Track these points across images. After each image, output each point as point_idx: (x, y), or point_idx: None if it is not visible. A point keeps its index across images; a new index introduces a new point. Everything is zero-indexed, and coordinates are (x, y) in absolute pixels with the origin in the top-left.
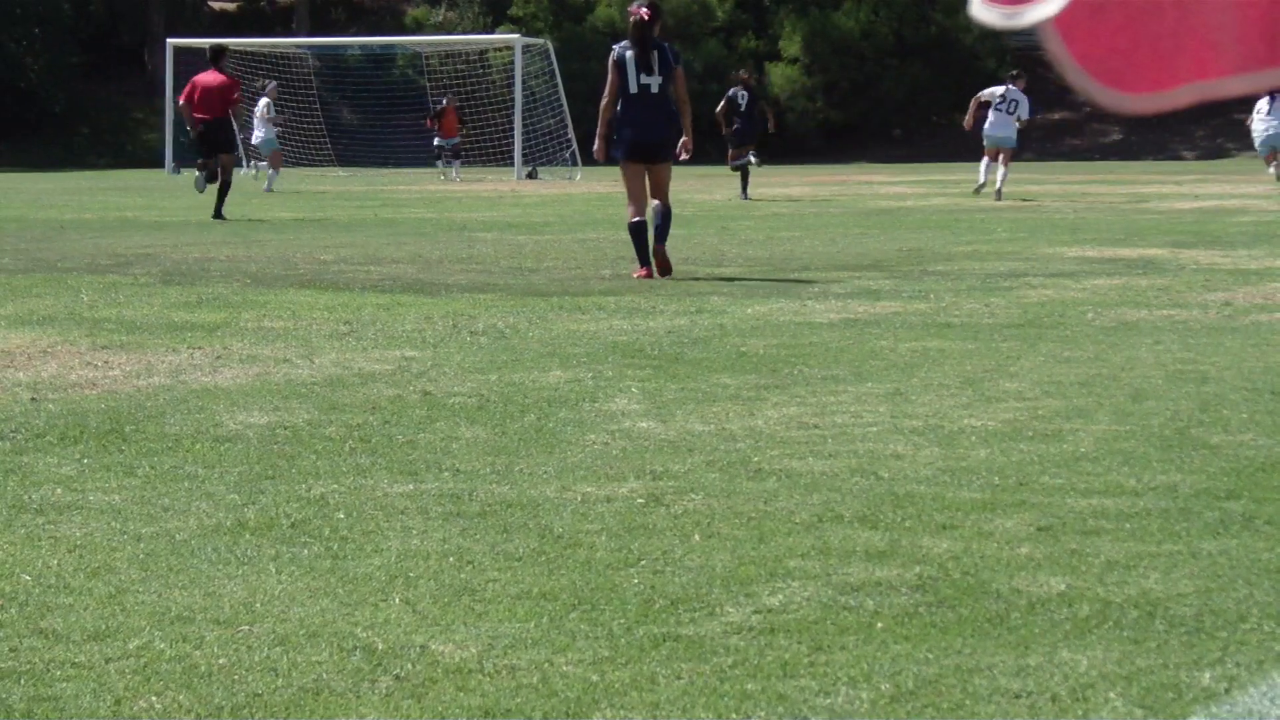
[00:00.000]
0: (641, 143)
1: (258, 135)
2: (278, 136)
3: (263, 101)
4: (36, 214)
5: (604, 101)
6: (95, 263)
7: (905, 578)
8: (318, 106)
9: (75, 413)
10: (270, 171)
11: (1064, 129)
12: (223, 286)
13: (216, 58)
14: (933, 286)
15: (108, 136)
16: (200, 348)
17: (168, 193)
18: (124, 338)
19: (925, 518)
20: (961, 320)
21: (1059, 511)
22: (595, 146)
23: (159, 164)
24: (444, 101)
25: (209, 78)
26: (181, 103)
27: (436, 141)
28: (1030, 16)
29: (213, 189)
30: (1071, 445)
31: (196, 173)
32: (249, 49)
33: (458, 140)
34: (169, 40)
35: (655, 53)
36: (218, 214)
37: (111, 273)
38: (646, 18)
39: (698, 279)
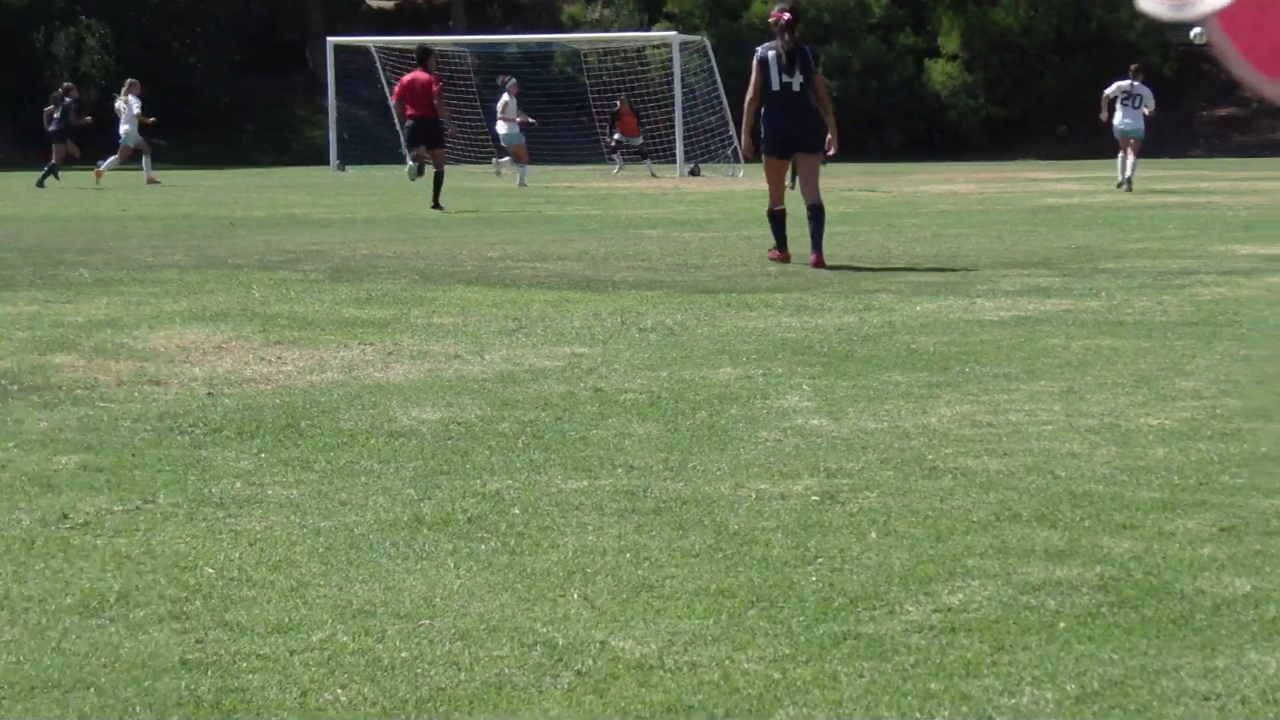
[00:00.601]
0: (784, 138)
1: (502, 129)
2: (521, 130)
3: (504, 98)
4: (206, 211)
5: (748, 98)
6: (265, 259)
7: (1086, 577)
8: (477, 103)
9: (251, 407)
10: (520, 167)
11: (1232, 125)
12: (391, 283)
13: (424, 58)
14: (1103, 284)
15: (271, 134)
16: (371, 343)
17: (333, 190)
18: (296, 333)
19: (1104, 517)
20: (1134, 318)
21: (1241, 512)
22: (743, 143)
23: (323, 161)
24: (617, 103)
25: (416, 76)
26: (394, 101)
27: (616, 138)
28: (1198, 9)
29: (427, 181)
30: (1251, 445)
31: (410, 163)
32: (407, 47)
33: (640, 140)
34: (329, 39)
35: (796, 54)
36: (435, 204)
37: (282, 269)
38: (787, 21)
39: (864, 276)
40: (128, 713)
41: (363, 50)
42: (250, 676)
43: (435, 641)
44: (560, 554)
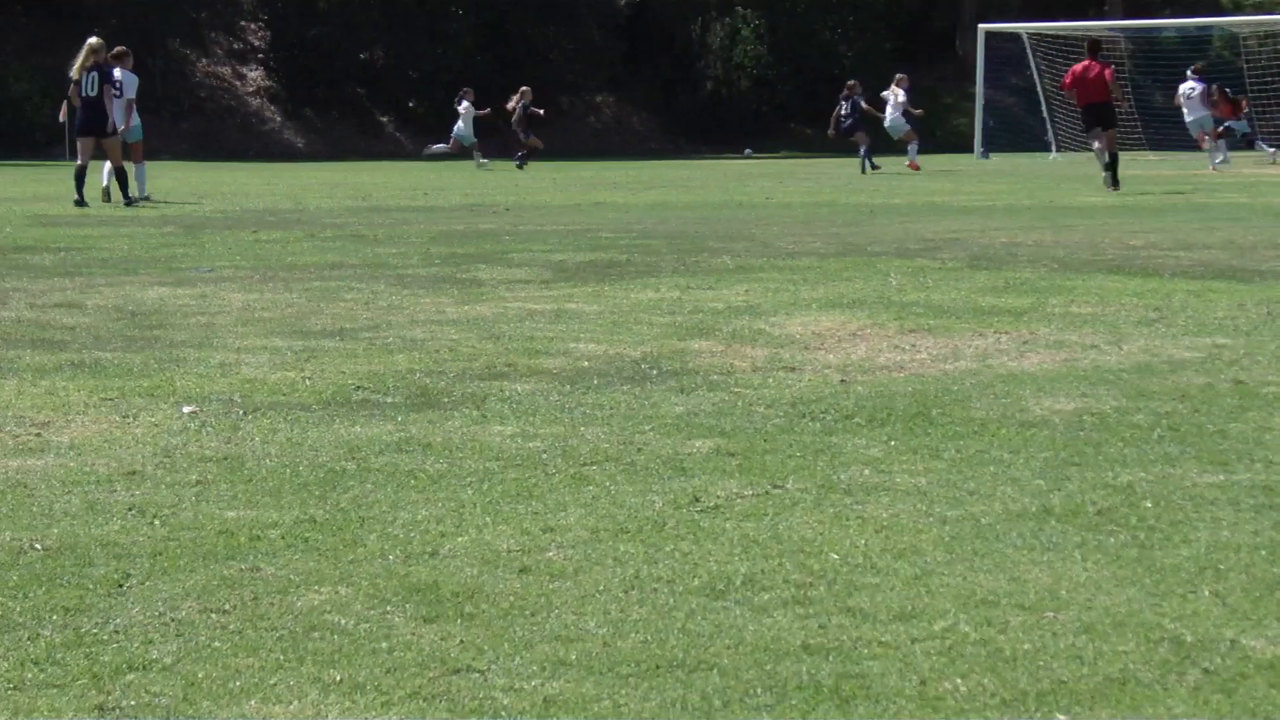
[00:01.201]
0: None
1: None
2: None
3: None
4: (847, 199)
5: None
6: (904, 247)
7: None
8: (1129, 90)
9: (883, 395)
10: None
11: None
12: (1029, 271)
13: (1094, 50)
14: None
15: (919, 123)
16: (1006, 332)
17: (975, 177)
18: (931, 321)
19: None
20: None
21: None
22: None
23: (967, 148)
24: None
25: (1083, 66)
26: (1064, 89)
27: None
28: None
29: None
30: None
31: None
32: (1059, 33)
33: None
34: (980, 26)
35: None
36: (1113, 183)
37: (920, 257)
38: None
39: None
40: (748, 694)
41: (1014, 37)
42: (870, 663)
43: (1059, 634)
44: (1192, 549)
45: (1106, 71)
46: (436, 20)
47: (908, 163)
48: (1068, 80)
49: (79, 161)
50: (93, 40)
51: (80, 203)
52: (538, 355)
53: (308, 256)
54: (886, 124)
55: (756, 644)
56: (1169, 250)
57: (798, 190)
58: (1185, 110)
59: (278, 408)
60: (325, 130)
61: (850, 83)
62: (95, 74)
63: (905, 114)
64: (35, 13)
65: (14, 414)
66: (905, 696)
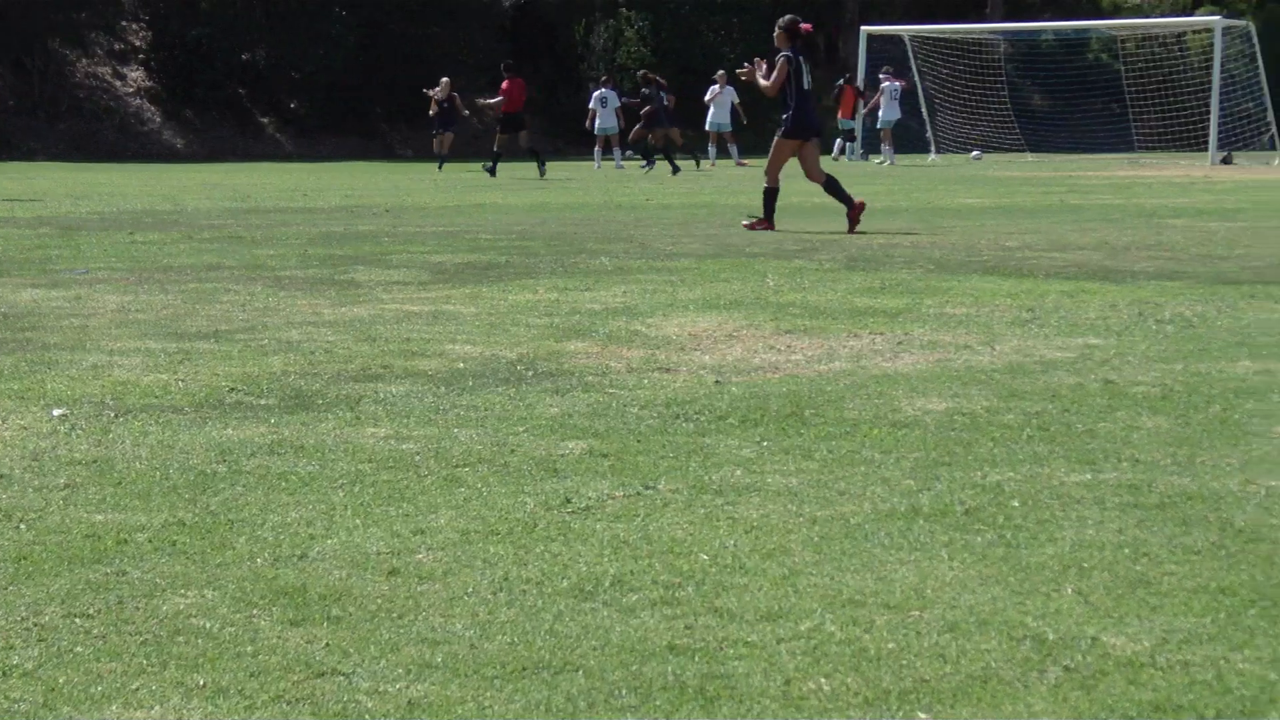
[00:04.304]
0: None
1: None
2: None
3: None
4: (726, 200)
5: None
6: (781, 248)
7: None
8: (1006, 92)
9: (757, 395)
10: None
11: None
12: (905, 272)
13: None
14: None
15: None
16: (881, 333)
17: (854, 178)
18: (807, 322)
19: None
20: None
21: None
22: None
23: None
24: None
25: None
26: None
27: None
28: None
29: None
30: None
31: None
32: (941, 35)
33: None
34: (863, 28)
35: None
36: None
37: (797, 258)
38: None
39: None
40: (614, 695)
41: (896, 39)
42: (736, 663)
43: (923, 633)
44: (1057, 548)
45: None
46: (318, 21)
47: (735, 161)
48: None
49: None
50: None
51: None
52: (413, 357)
53: (185, 258)
54: (709, 124)
55: (623, 645)
56: (1043, 251)
57: (677, 192)
58: None
59: (150, 410)
60: (205, 131)
61: (641, 72)
62: None
63: (733, 112)
64: None
65: None
66: (770, 696)
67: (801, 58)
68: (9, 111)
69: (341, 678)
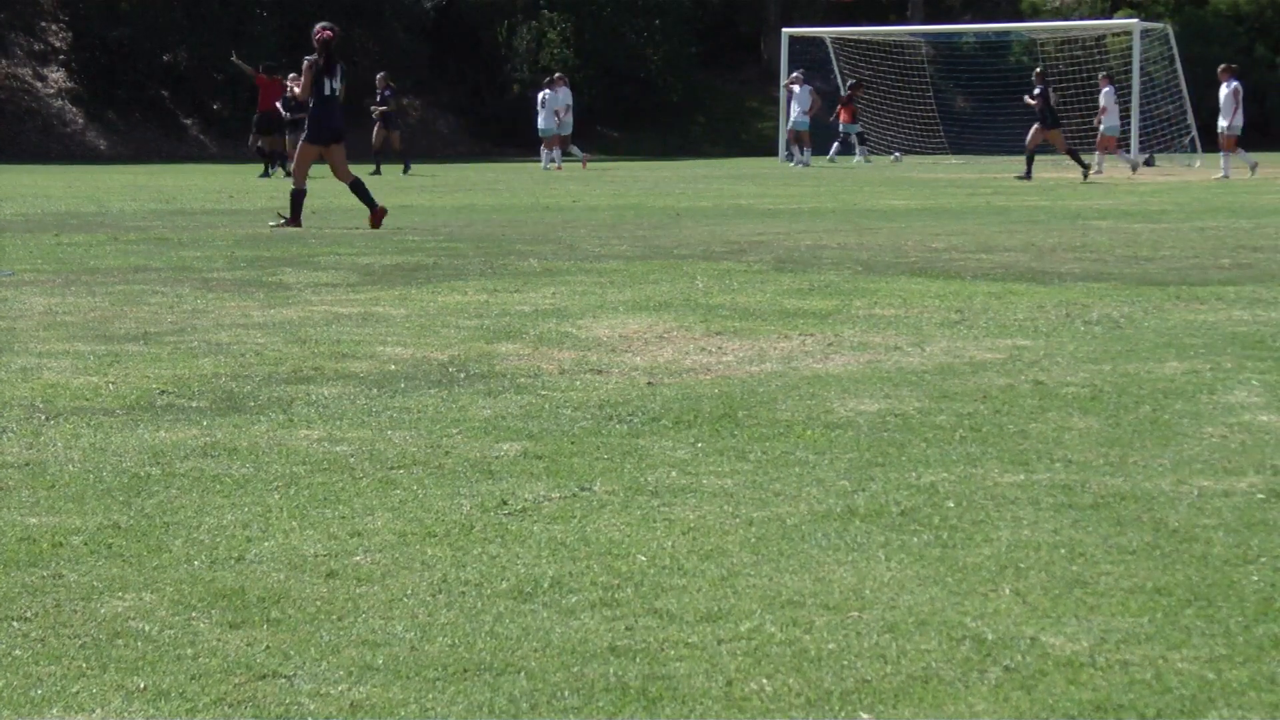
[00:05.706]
0: None
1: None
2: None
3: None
4: (654, 202)
5: None
6: (710, 250)
7: None
8: (930, 94)
9: (690, 397)
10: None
11: None
12: (834, 274)
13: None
14: None
15: (722, 125)
16: (811, 334)
17: (780, 181)
18: (737, 324)
19: None
20: None
21: None
22: None
23: (772, 152)
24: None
25: None
26: None
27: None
28: None
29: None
30: None
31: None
32: (862, 37)
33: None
34: (784, 29)
35: None
36: None
37: (725, 259)
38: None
39: None
40: (556, 697)
41: (818, 41)
42: (677, 664)
43: (863, 634)
44: (993, 548)
45: None
46: (240, 22)
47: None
48: None
49: None
50: None
51: None
52: (344, 359)
53: (111, 260)
54: (540, 126)
55: (564, 646)
56: (970, 253)
57: (604, 193)
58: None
59: (80, 413)
60: (128, 132)
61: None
62: None
63: (557, 116)
64: None
65: None
66: (711, 697)
67: (337, 65)
68: None
69: (283, 680)
